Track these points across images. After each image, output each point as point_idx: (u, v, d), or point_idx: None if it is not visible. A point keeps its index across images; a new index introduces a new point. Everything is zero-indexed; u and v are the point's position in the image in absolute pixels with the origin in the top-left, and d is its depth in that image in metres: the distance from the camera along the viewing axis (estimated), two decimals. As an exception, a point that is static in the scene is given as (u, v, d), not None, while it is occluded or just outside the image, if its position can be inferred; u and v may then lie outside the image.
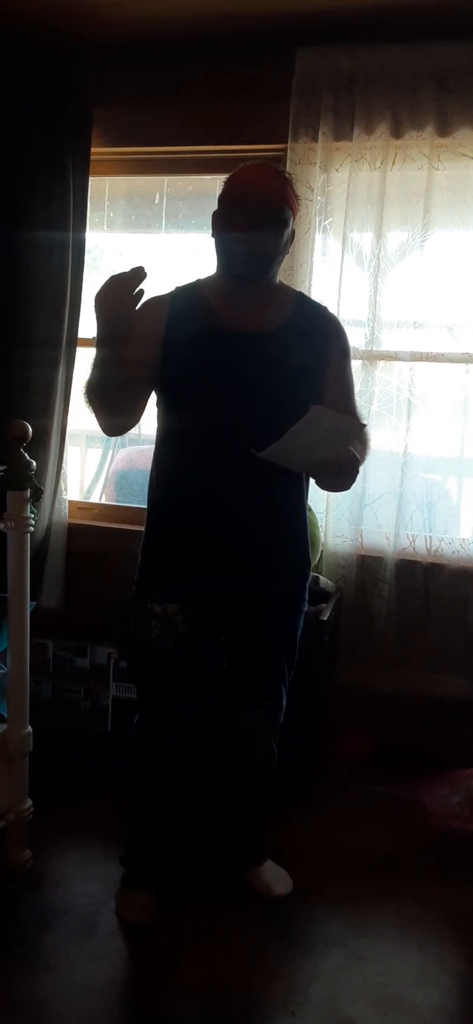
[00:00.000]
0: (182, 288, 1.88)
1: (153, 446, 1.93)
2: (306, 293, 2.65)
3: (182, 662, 1.86)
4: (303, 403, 1.77)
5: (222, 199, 1.81)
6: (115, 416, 1.85)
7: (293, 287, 2.57)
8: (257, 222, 1.74)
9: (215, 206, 1.85)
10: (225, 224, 1.79)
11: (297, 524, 1.91)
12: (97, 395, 1.77)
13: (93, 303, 1.67)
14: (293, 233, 1.84)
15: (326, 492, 2.70)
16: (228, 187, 1.81)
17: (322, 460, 1.73)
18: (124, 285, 1.62)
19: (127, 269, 1.62)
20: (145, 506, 1.95)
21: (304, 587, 1.95)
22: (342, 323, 1.99)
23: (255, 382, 1.78)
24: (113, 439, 3.35)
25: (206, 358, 1.78)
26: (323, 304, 2.00)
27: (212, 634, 1.88)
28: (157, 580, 1.87)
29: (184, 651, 1.85)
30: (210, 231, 1.84)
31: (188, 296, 1.85)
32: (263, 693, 1.95)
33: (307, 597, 1.98)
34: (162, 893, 2.01)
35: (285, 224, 1.78)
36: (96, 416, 1.81)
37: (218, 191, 1.85)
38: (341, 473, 1.76)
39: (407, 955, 1.91)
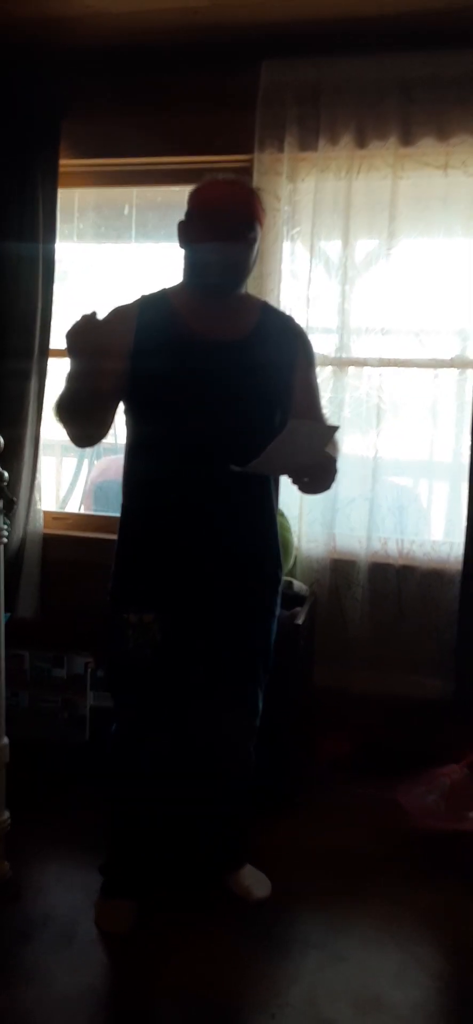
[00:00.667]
0: (149, 297, 1.89)
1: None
2: (275, 301, 2.70)
3: (159, 671, 1.87)
4: (271, 411, 1.83)
5: (192, 212, 1.82)
6: (84, 428, 1.87)
7: (262, 296, 2.62)
8: (229, 238, 1.75)
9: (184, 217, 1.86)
10: (196, 237, 1.80)
11: (268, 528, 1.93)
12: (66, 409, 1.79)
13: (65, 340, 1.69)
14: (258, 244, 1.86)
15: (299, 496, 2.74)
16: (199, 200, 1.81)
17: (301, 465, 1.77)
18: (95, 328, 1.66)
19: (90, 313, 1.66)
20: (118, 515, 1.96)
21: (277, 591, 1.98)
22: (308, 331, 2.02)
23: (225, 390, 1.80)
24: (89, 450, 3.36)
25: (176, 367, 1.79)
26: (287, 313, 2.03)
27: (188, 641, 1.90)
28: (132, 589, 1.88)
29: (161, 659, 1.86)
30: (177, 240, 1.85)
31: (156, 305, 1.86)
32: (239, 697, 1.96)
33: (280, 601, 2.00)
34: (142, 901, 2.01)
35: (255, 239, 1.81)
36: (65, 428, 1.84)
37: (186, 202, 1.86)
38: (320, 475, 1.79)
39: (386, 955, 1.92)
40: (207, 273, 1.80)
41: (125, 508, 1.93)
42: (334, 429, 1.80)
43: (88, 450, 3.40)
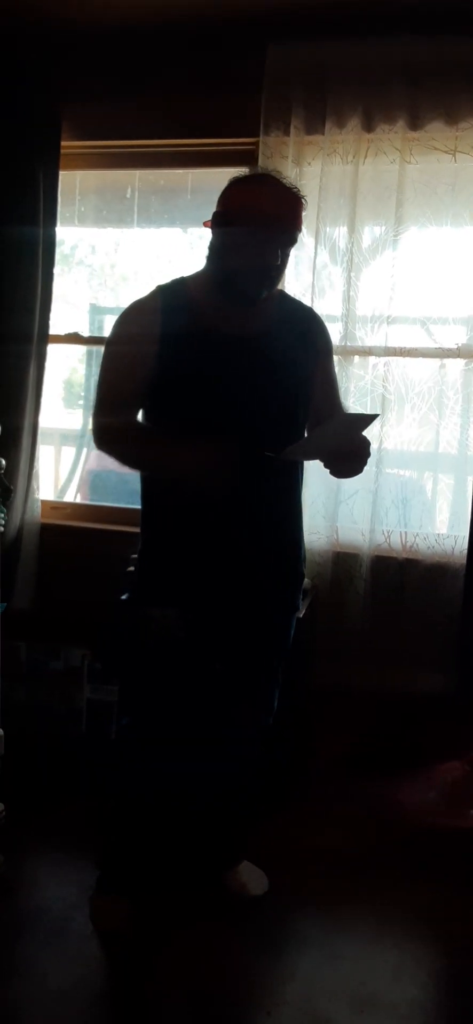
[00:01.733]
0: (167, 287, 1.82)
1: None
2: (280, 288, 2.64)
3: (179, 667, 1.83)
4: (295, 402, 1.82)
5: (238, 210, 1.71)
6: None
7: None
8: (278, 250, 1.70)
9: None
10: (239, 238, 1.70)
11: (295, 525, 1.90)
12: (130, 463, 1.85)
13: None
14: None
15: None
16: (248, 198, 1.71)
17: (337, 451, 1.76)
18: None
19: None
20: (117, 504, 1.93)
21: (300, 587, 1.95)
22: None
23: (250, 383, 1.75)
24: (86, 438, 3.33)
25: (202, 361, 1.74)
26: (306, 303, 1.99)
27: (210, 638, 1.85)
28: (156, 585, 1.84)
29: (182, 656, 1.82)
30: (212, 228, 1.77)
31: (178, 296, 1.80)
32: (257, 695, 1.94)
33: (301, 595, 1.97)
34: (137, 896, 1.99)
35: (294, 245, 1.78)
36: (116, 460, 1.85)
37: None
38: (354, 460, 1.76)
39: (383, 953, 1.91)
40: (244, 279, 1.72)
41: (149, 503, 1.87)
42: (375, 416, 1.80)
43: (86, 439, 3.37)
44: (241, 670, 1.91)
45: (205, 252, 1.82)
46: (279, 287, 2.14)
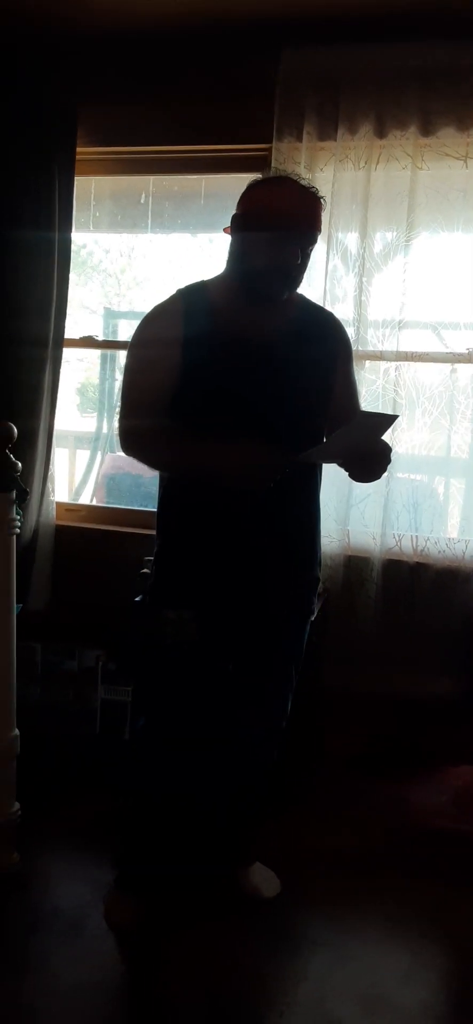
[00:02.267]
0: (187, 291, 1.83)
1: None
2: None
3: (195, 668, 1.85)
4: (316, 405, 1.83)
5: (255, 212, 1.72)
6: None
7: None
8: (298, 249, 1.72)
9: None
10: (260, 239, 1.72)
11: (313, 530, 1.91)
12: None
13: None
14: None
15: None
16: (268, 199, 1.72)
17: (358, 453, 1.74)
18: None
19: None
20: (131, 507, 1.94)
21: (315, 591, 1.96)
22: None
23: (270, 387, 1.76)
24: (101, 442, 3.36)
25: (224, 365, 1.75)
26: (325, 307, 2.00)
27: (226, 639, 1.87)
28: (173, 586, 1.86)
29: (198, 657, 1.83)
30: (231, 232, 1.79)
31: (199, 300, 1.81)
32: (271, 699, 1.95)
33: (317, 599, 1.98)
34: (151, 896, 2.01)
35: (314, 245, 1.78)
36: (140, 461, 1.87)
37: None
38: (376, 463, 1.75)
39: (394, 955, 1.92)
40: (265, 280, 1.73)
41: (166, 504, 1.89)
42: (395, 417, 1.80)
43: (101, 443, 3.40)
44: (255, 673, 1.92)
45: (225, 256, 1.83)
46: (299, 292, 2.16)
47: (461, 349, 2.65)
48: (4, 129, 2.79)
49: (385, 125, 2.59)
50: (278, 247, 1.70)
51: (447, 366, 2.67)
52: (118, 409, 1.84)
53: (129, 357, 1.86)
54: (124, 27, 2.68)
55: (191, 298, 1.81)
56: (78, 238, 3.06)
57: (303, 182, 1.77)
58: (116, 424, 1.85)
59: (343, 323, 2.65)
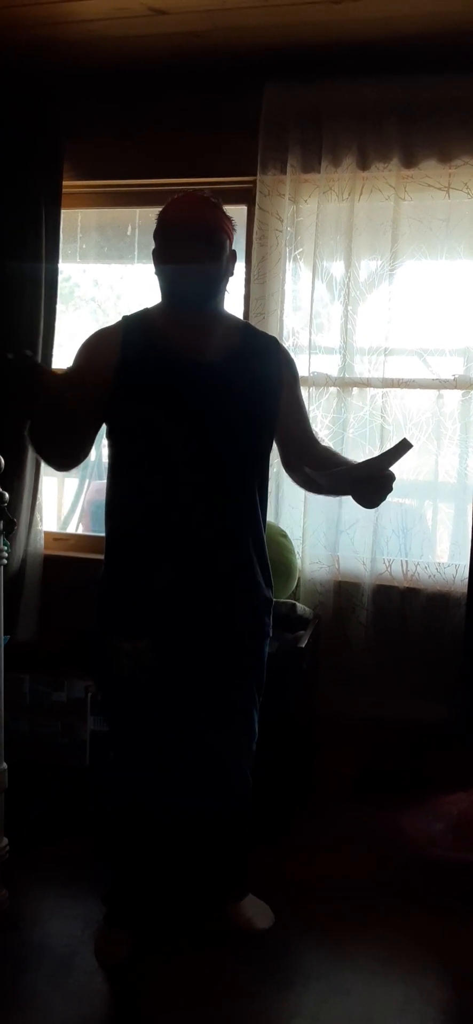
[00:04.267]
0: (132, 317, 1.88)
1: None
2: (278, 321, 2.70)
3: (154, 696, 1.84)
4: (257, 429, 1.85)
5: (157, 234, 1.82)
6: (62, 456, 1.83)
7: (263, 316, 2.63)
8: (192, 250, 1.75)
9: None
10: (163, 257, 1.80)
11: (257, 548, 1.91)
12: (42, 436, 1.74)
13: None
14: (234, 255, 1.86)
15: (302, 519, 2.74)
16: (160, 221, 1.81)
17: (368, 483, 1.79)
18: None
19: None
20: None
21: (268, 611, 1.95)
22: (311, 351, 2.03)
23: (211, 410, 1.79)
24: (88, 469, 3.36)
25: (160, 388, 1.78)
26: (269, 333, 2.04)
27: (181, 665, 1.87)
28: (122, 615, 1.85)
29: (156, 685, 1.83)
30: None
31: (139, 326, 1.85)
32: (235, 719, 1.93)
33: (271, 620, 1.97)
34: (142, 931, 1.97)
35: (221, 248, 1.79)
36: (41, 456, 1.83)
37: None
38: (381, 490, 1.79)
39: (390, 987, 1.88)
40: (177, 289, 1.79)
41: (110, 532, 1.89)
42: (410, 446, 1.78)
43: (89, 470, 3.39)
44: (215, 696, 1.91)
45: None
46: (267, 319, 2.18)
47: (447, 375, 2.68)
48: (-9, 163, 2.83)
49: (368, 157, 2.64)
50: (177, 258, 1.76)
51: (434, 392, 2.70)
52: None
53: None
54: (110, 64, 2.73)
55: (131, 324, 1.85)
56: (65, 269, 3.08)
57: (202, 192, 1.84)
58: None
59: (329, 351, 2.73)
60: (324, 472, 1.82)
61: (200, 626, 1.84)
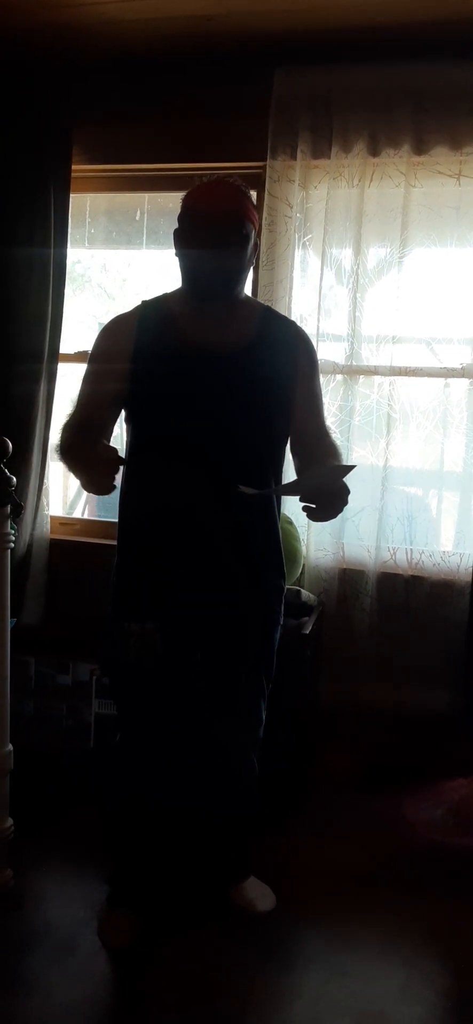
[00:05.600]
0: (149, 303, 1.88)
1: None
2: (286, 308, 2.68)
3: (162, 680, 1.86)
4: (273, 419, 1.84)
5: (183, 217, 1.81)
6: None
7: (271, 302, 2.62)
8: (220, 239, 1.74)
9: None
10: (188, 242, 1.78)
11: (270, 536, 1.91)
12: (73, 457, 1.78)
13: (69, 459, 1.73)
14: (256, 246, 1.85)
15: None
16: (188, 205, 1.80)
17: (315, 496, 1.71)
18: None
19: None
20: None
21: (279, 599, 1.95)
22: (319, 338, 2.00)
23: (225, 399, 1.78)
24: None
25: (175, 374, 1.78)
26: (290, 318, 2.01)
27: (190, 650, 1.88)
28: (133, 598, 1.86)
29: (163, 669, 1.84)
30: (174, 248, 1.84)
31: (156, 311, 1.85)
32: (242, 707, 1.94)
33: (283, 609, 1.97)
34: (144, 913, 1.99)
35: (247, 239, 1.78)
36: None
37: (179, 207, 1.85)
38: (331, 504, 1.71)
39: (391, 970, 1.90)
40: (199, 277, 1.79)
41: (124, 516, 1.90)
42: (352, 467, 1.75)
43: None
44: (223, 682, 1.92)
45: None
46: (275, 305, 2.15)
47: (454, 364, 2.67)
48: (1, 148, 2.81)
49: (378, 144, 2.62)
50: (203, 245, 1.74)
51: (441, 381, 2.69)
52: (67, 416, 1.85)
53: (86, 368, 1.88)
54: (120, 47, 2.71)
55: (149, 309, 1.85)
56: (74, 254, 3.07)
57: (229, 180, 1.81)
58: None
59: (337, 338, 2.72)
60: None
61: (210, 612, 1.85)
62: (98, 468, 1.65)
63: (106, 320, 1.94)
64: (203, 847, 2.18)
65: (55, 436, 1.87)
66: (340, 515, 2.65)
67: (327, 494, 1.69)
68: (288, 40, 2.59)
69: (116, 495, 1.88)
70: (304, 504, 1.70)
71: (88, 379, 1.87)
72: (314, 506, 1.70)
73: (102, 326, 1.91)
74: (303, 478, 1.79)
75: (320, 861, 2.27)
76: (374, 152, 2.62)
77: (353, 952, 1.95)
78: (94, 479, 1.71)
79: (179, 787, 2.03)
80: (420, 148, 2.58)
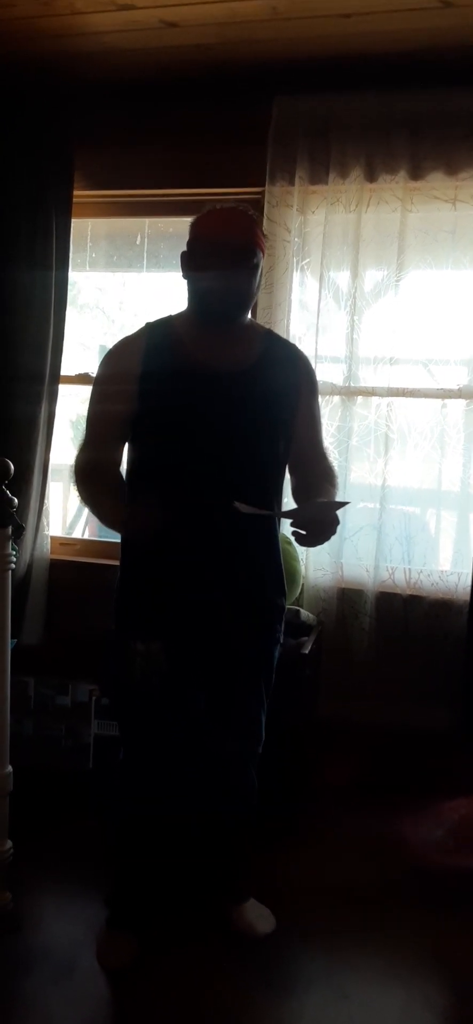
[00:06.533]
0: (155, 324, 1.90)
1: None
2: (284, 331, 2.71)
3: (166, 698, 1.86)
4: (275, 440, 1.86)
5: (196, 242, 1.83)
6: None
7: (270, 325, 2.64)
8: (232, 266, 1.77)
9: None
10: (198, 267, 1.81)
11: (272, 556, 1.93)
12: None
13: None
14: (262, 271, 1.88)
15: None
16: (200, 231, 1.82)
17: (307, 526, 1.77)
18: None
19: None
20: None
21: (280, 618, 1.97)
22: (317, 360, 2.03)
23: (228, 420, 1.81)
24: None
25: (179, 396, 1.80)
26: (292, 342, 2.04)
27: (194, 668, 1.89)
28: (137, 617, 1.87)
29: (167, 687, 1.85)
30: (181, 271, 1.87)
31: (162, 332, 1.88)
32: (243, 723, 1.95)
33: (283, 627, 1.99)
34: (144, 935, 1.98)
35: (257, 267, 1.82)
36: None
37: (188, 231, 1.88)
38: (322, 531, 1.78)
39: (391, 992, 1.89)
40: (210, 302, 1.82)
41: (126, 537, 1.92)
42: (346, 503, 1.85)
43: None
44: (225, 698, 1.93)
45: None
46: (273, 328, 2.18)
47: (451, 385, 2.70)
48: (3, 173, 2.86)
49: (375, 170, 2.66)
50: (217, 270, 1.77)
51: (438, 401, 2.72)
52: (80, 442, 1.89)
53: (93, 390, 1.91)
54: (120, 75, 2.75)
55: (155, 332, 1.87)
56: (75, 277, 3.11)
57: (238, 207, 1.84)
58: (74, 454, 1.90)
59: (335, 359, 2.74)
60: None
61: (213, 630, 1.86)
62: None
63: (108, 342, 1.98)
64: (203, 867, 2.17)
65: (78, 463, 1.89)
66: (338, 535, 2.71)
67: (319, 524, 1.75)
68: (287, 68, 2.64)
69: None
70: (294, 530, 1.75)
71: (98, 400, 1.89)
72: (304, 533, 1.75)
73: (108, 350, 1.94)
74: (299, 509, 1.83)
75: (319, 881, 2.26)
76: (371, 178, 2.66)
77: (353, 974, 1.94)
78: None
79: (180, 803, 2.03)
80: (416, 174, 2.63)
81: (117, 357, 1.90)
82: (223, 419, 1.80)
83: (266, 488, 1.88)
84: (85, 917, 2.07)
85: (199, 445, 1.80)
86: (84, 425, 1.92)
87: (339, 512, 1.78)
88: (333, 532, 1.77)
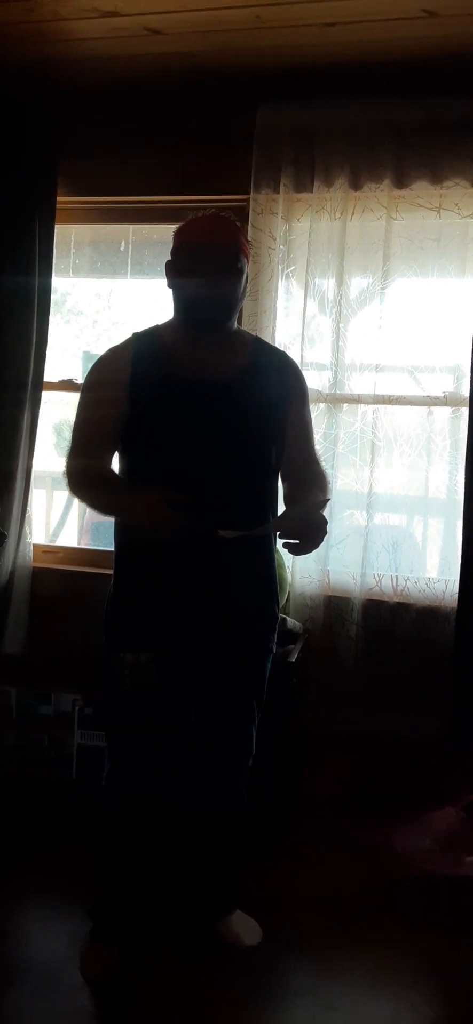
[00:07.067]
0: (142, 334, 1.89)
1: None
2: (270, 338, 2.71)
3: (156, 710, 1.83)
4: (266, 447, 1.84)
5: (179, 250, 1.82)
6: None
7: (255, 332, 2.64)
8: (216, 273, 1.76)
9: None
10: (184, 274, 1.80)
11: (265, 565, 1.91)
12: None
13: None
14: (247, 277, 1.87)
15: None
16: (183, 239, 1.82)
17: (295, 533, 1.76)
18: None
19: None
20: (109, 548, 1.94)
21: (273, 629, 1.95)
22: (302, 367, 2.03)
23: (217, 428, 1.79)
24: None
25: (171, 405, 1.79)
26: (280, 349, 2.03)
27: (185, 680, 1.86)
28: (128, 628, 1.85)
29: (158, 699, 1.82)
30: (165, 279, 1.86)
31: (149, 342, 1.86)
32: (234, 735, 1.93)
33: (276, 639, 1.97)
34: (129, 946, 1.95)
35: (241, 272, 1.81)
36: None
37: (172, 240, 1.87)
38: (311, 537, 1.76)
39: (379, 1004, 1.87)
40: (195, 309, 1.81)
41: (119, 546, 1.90)
42: (324, 503, 1.81)
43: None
44: (216, 710, 1.91)
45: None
46: (259, 335, 2.18)
47: (437, 392, 2.71)
48: (-14, 178, 2.84)
49: (360, 178, 2.67)
50: (200, 276, 1.76)
51: (424, 409, 2.73)
52: (68, 449, 1.87)
53: (81, 397, 1.90)
54: (107, 82, 2.75)
55: (142, 341, 1.87)
56: (58, 283, 3.09)
57: (221, 215, 1.83)
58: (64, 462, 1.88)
59: (320, 367, 2.74)
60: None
61: (206, 641, 1.84)
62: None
63: (91, 349, 1.96)
64: (189, 878, 2.14)
65: (69, 470, 1.86)
66: (324, 543, 2.70)
67: (306, 529, 1.74)
68: (271, 76, 2.65)
69: (110, 524, 1.91)
70: (284, 541, 1.74)
71: (87, 407, 1.87)
72: (295, 542, 1.74)
73: (96, 358, 1.92)
74: (281, 518, 1.82)
75: (307, 892, 2.24)
76: (356, 186, 2.67)
77: (341, 985, 1.92)
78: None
79: (167, 815, 2.00)
80: (401, 182, 2.64)
81: (106, 365, 1.88)
82: (213, 428, 1.78)
83: (258, 496, 1.87)
84: (69, 929, 2.03)
85: (190, 455, 1.78)
86: (71, 432, 1.89)
87: (325, 513, 1.77)
88: (324, 533, 1.76)
